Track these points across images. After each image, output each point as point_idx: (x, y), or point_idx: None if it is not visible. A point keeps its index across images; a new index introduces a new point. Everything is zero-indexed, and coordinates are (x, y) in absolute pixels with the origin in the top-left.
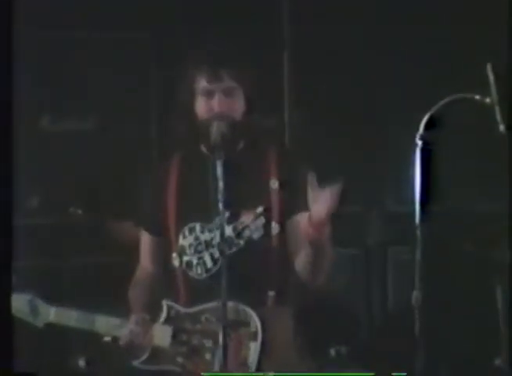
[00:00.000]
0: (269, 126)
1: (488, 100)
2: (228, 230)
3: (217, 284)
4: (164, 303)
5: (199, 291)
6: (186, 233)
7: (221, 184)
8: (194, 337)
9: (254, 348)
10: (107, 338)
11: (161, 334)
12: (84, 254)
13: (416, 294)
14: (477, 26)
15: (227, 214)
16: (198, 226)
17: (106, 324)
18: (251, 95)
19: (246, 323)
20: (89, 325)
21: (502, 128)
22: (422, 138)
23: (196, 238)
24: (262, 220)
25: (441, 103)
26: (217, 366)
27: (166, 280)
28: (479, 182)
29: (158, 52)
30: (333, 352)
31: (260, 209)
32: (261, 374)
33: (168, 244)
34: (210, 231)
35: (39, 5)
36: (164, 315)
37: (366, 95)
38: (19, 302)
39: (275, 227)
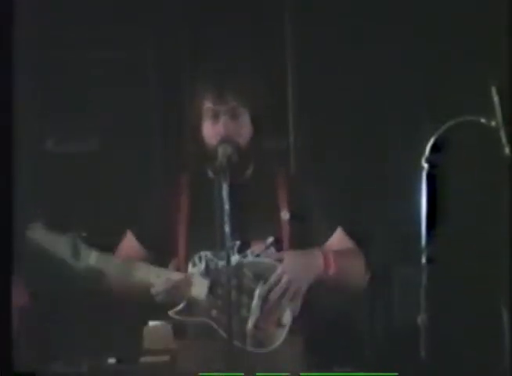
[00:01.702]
0: (276, 149)
1: (493, 123)
2: (236, 260)
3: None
4: (203, 255)
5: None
6: (197, 261)
7: (226, 207)
8: (231, 292)
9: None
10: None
11: (198, 286)
12: None
13: (422, 317)
14: (481, 48)
15: (237, 243)
16: (209, 254)
17: (146, 272)
18: (257, 116)
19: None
20: (127, 273)
21: (507, 150)
22: (428, 161)
23: (207, 267)
24: (272, 250)
25: (447, 125)
26: (251, 324)
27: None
28: (485, 205)
29: (161, 74)
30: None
31: (270, 239)
32: (262, 374)
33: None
34: (219, 260)
35: (39, 26)
36: (202, 266)
37: (372, 118)
38: (61, 243)
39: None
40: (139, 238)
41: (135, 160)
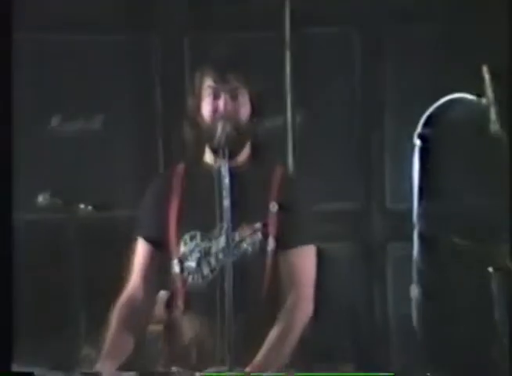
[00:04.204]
0: (273, 126)
1: (484, 101)
2: (223, 240)
3: (212, 291)
4: (194, 234)
5: (196, 297)
6: (188, 240)
7: (226, 181)
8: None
9: None
10: None
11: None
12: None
13: (414, 288)
14: (476, 26)
15: (228, 224)
16: (199, 234)
17: None
18: (256, 97)
19: None
20: None
21: (496, 127)
22: (420, 136)
23: (197, 245)
24: (259, 236)
25: (439, 102)
26: None
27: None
28: (476, 179)
29: (164, 55)
30: (335, 346)
31: (258, 225)
32: (260, 374)
33: (167, 256)
34: (209, 240)
35: (45, 7)
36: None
37: (365, 96)
38: None
39: (270, 244)
40: (145, 236)
41: (139, 138)
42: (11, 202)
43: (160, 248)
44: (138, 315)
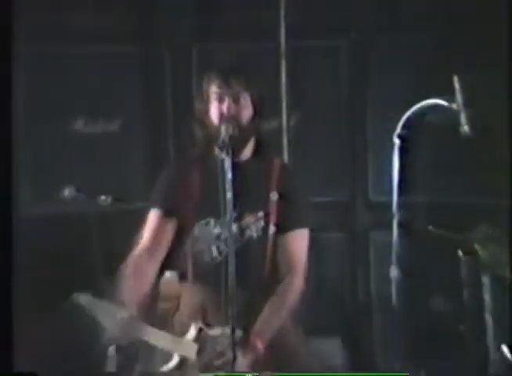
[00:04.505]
0: (271, 128)
1: (455, 106)
2: (234, 228)
3: (219, 271)
4: (194, 325)
5: (204, 275)
6: (202, 225)
7: (229, 176)
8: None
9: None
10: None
11: (188, 349)
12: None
13: (393, 269)
14: (451, 39)
15: (234, 214)
16: (212, 221)
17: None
18: (257, 100)
19: None
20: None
21: (466, 128)
22: (399, 137)
23: (209, 231)
24: (262, 223)
25: (416, 106)
26: None
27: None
28: (448, 175)
29: (173, 64)
30: (324, 321)
31: (261, 214)
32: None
33: (179, 230)
34: (220, 226)
35: (69, 25)
36: (192, 334)
37: (351, 101)
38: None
39: (271, 229)
40: (153, 201)
41: (152, 139)
42: (11, 208)
43: (172, 220)
44: (144, 270)
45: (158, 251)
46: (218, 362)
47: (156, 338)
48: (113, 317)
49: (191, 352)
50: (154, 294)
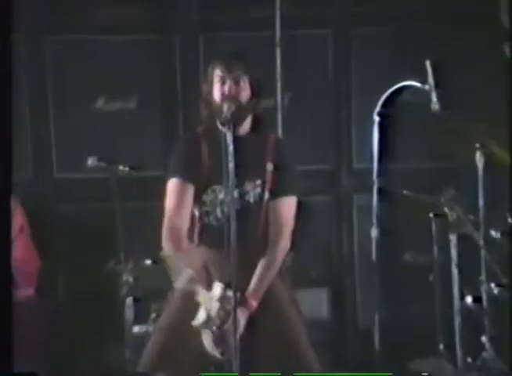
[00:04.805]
0: (267, 105)
1: (427, 87)
2: (235, 193)
3: (222, 230)
4: (219, 285)
5: (209, 234)
6: (210, 192)
7: (231, 148)
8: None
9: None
10: None
11: (213, 307)
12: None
13: (374, 230)
14: (425, 25)
15: (235, 181)
16: (218, 188)
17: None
18: (254, 82)
19: None
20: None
21: (436, 106)
22: (379, 114)
23: (215, 196)
24: (259, 190)
25: (393, 88)
26: None
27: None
28: (421, 147)
29: (183, 50)
30: (312, 273)
31: (258, 181)
32: (261, 374)
33: (195, 196)
34: (225, 193)
35: (94, 16)
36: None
37: (337, 82)
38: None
39: (266, 195)
40: (178, 175)
41: (164, 115)
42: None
43: (191, 186)
44: (181, 235)
45: (185, 213)
46: (218, 321)
47: (203, 294)
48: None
49: (214, 309)
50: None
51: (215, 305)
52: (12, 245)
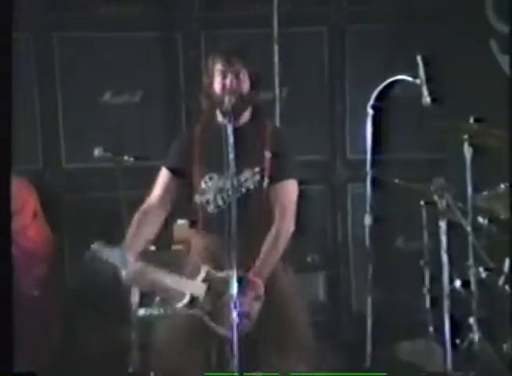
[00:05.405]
0: (266, 98)
1: (418, 81)
2: (235, 181)
3: (223, 217)
4: (203, 268)
5: (211, 221)
6: (207, 179)
7: (231, 139)
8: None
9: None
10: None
11: (197, 289)
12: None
13: (367, 217)
14: (415, 25)
15: (235, 169)
16: (215, 176)
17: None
18: (253, 76)
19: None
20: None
21: (427, 100)
22: (372, 107)
23: (214, 184)
24: (258, 177)
25: (386, 82)
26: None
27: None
28: (413, 138)
29: (185, 46)
30: (309, 259)
31: (257, 169)
32: (256, 374)
33: (187, 188)
34: (224, 180)
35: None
36: (202, 275)
37: (332, 77)
38: (113, 255)
39: (265, 181)
40: (170, 166)
41: (168, 108)
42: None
43: (180, 179)
44: (150, 220)
45: (163, 205)
46: (221, 301)
47: (168, 279)
48: (125, 263)
49: (200, 291)
50: (168, 239)
51: (201, 288)
52: (12, 247)
